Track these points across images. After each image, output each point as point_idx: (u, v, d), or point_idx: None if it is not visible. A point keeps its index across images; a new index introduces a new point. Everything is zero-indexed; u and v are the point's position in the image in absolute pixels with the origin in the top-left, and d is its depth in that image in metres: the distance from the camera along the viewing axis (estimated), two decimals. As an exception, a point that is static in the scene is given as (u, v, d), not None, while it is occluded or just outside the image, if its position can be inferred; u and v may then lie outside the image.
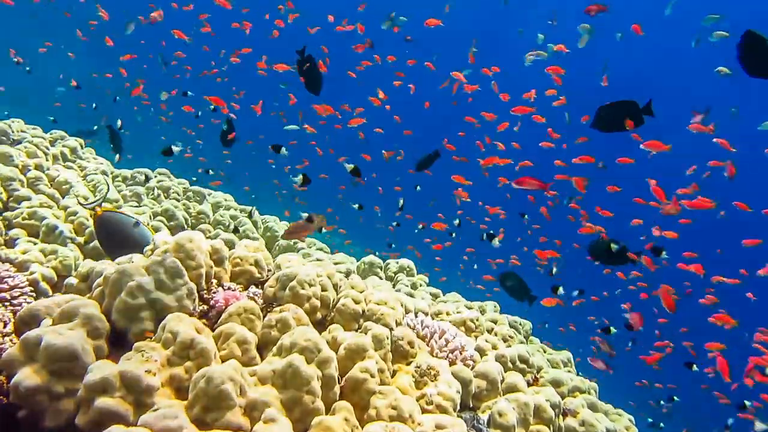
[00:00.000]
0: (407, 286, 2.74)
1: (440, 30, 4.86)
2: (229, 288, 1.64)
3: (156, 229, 2.65)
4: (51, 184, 2.70)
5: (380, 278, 2.85)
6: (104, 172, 2.93)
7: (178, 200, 3.03)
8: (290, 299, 1.62)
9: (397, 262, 2.92)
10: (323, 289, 1.70)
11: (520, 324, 2.60)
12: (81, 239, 2.36)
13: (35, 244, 2.26)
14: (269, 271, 1.83)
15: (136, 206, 2.75)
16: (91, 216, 2.25)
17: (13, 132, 2.87)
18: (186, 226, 2.83)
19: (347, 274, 2.78)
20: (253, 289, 1.71)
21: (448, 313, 2.12)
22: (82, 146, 3.10)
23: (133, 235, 2.06)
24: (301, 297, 1.62)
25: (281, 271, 1.69)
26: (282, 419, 1.22)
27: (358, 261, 3.38)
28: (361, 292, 1.80)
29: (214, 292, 1.58)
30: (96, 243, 2.36)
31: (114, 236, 2.08)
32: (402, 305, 1.85)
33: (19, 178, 2.55)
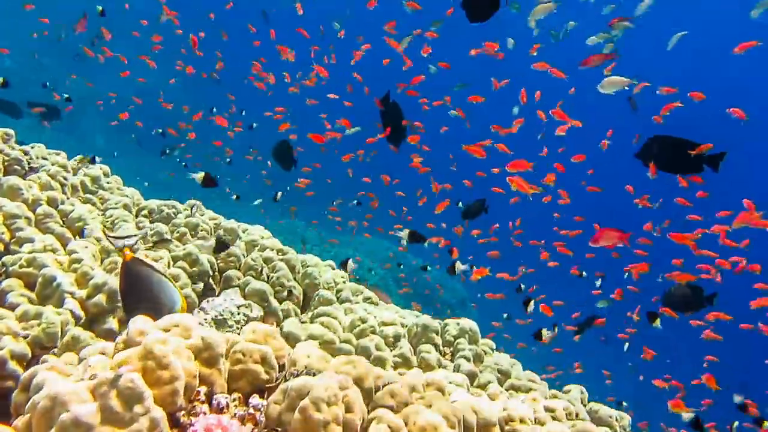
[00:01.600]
0: (469, 360, 2.21)
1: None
2: (218, 404, 1.19)
3: (175, 278, 2.28)
4: (64, 221, 2.39)
5: (436, 344, 2.34)
6: (127, 206, 2.60)
7: (206, 239, 2.66)
8: (300, 426, 1.14)
9: (458, 324, 2.40)
10: (348, 409, 1.21)
11: (617, 419, 2.01)
12: (83, 293, 2.01)
13: (30, 301, 1.92)
14: (282, 367, 1.37)
15: (152, 250, 2.39)
16: (119, 255, 1.89)
17: (32, 158, 2.59)
18: (211, 272, 2.44)
19: (396, 338, 2.29)
20: (255, 400, 1.26)
21: (541, 424, 1.56)
22: (106, 174, 2.80)
23: (158, 296, 1.72)
24: (315, 424, 1.14)
25: (291, 382, 1.22)
26: None
27: (406, 310, 2.89)
28: (405, 404, 1.30)
29: (194, 416, 1.13)
30: (99, 299, 2.00)
31: (136, 292, 1.74)
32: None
33: (26, 215, 2.25)
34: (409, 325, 2.40)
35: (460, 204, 4.29)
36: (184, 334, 1.24)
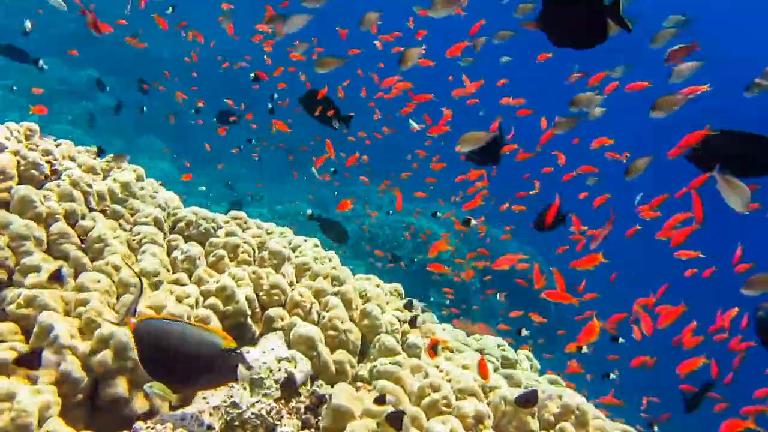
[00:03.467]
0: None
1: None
2: None
3: (203, 320, 1.84)
4: (82, 241, 2.00)
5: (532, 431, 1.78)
6: (158, 220, 2.18)
7: (248, 263, 2.20)
8: None
9: (560, 398, 1.83)
10: None
11: None
12: (86, 346, 1.61)
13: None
14: None
15: (177, 282, 1.96)
16: (127, 326, 1.51)
17: (56, 159, 2.22)
18: (248, 311, 1.98)
19: (478, 419, 1.76)
20: None
21: None
22: (140, 178, 2.40)
23: (184, 347, 1.44)
24: None
25: None
26: None
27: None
28: None
29: None
30: (105, 356, 1.59)
31: (159, 353, 1.45)
32: None
33: (36, 236, 1.87)
34: (495, 402, 1.85)
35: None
36: None
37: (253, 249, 2.25)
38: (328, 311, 2.11)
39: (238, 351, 1.45)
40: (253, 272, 2.15)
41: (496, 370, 2.48)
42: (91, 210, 2.14)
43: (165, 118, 8.25)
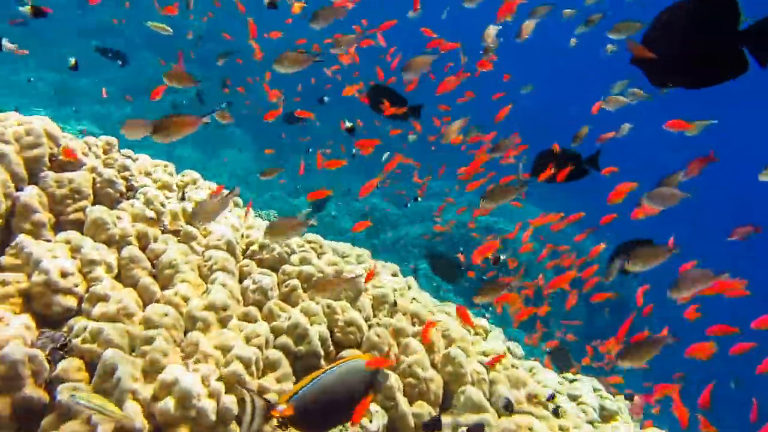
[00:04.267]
0: None
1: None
2: None
3: (272, 367, 1.68)
4: (154, 265, 1.90)
5: None
6: (231, 245, 2.05)
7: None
8: None
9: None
10: None
11: None
12: (149, 391, 1.48)
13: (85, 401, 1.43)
14: None
15: (246, 317, 1.80)
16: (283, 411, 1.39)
17: (132, 175, 2.15)
18: (321, 352, 1.81)
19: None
20: None
21: None
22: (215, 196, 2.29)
23: (347, 391, 1.40)
24: None
25: None
26: None
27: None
28: None
29: None
30: (167, 404, 1.46)
31: (327, 412, 1.37)
32: None
33: (107, 260, 1.78)
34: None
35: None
36: None
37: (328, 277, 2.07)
38: (409, 356, 1.90)
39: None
40: (328, 306, 1.97)
41: (591, 423, 2.18)
42: (164, 231, 2.04)
43: (249, 112, 8.32)
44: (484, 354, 2.11)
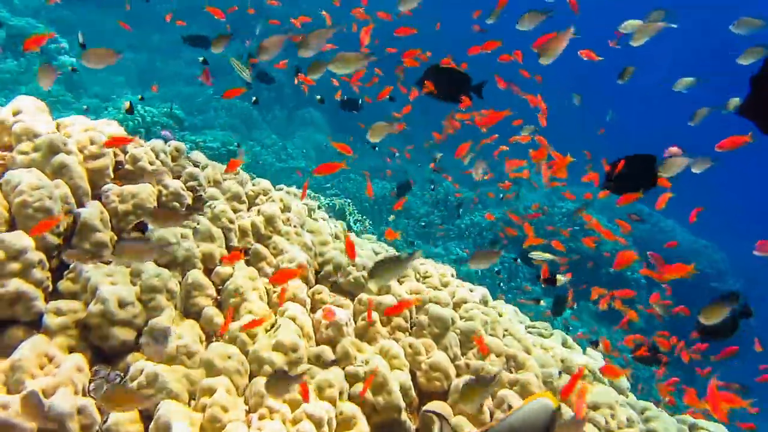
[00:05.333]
0: None
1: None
2: None
3: (348, 421, 1.44)
4: (219, 291, 1.72)
5: None
6: (302, 267, 1.82)
7: (404, 330, 1.76)
8: None
9: None
10: None
11: None
12: (208, 452, 1.29)
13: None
14: None
15: (319, 360, 1.57)
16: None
17: (200, 184, 1.97)
18: (403, 405, 1.55)
19: None
20: None
21: None
22: (287, 208, 2.07)
23: None
24: None
25: None
26: None
27: None
28: None
29: None
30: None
31: None
32: None
33: (169, 287, 1.61)
34: None
35: None
36: None
37: (409, 314, 1.81)
38: (504, 411, 1.60)
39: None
40: (410, 345, 1.70)
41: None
42: (230, 249, 1.85)
43: (326, 92, 8.17)
44: (595, 409, 1.77)
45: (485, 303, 2.09)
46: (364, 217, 6.51)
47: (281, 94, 10.81)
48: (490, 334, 1.86)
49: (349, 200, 6.64)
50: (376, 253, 2.17)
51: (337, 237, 2.24)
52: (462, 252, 8.23)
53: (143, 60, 10.88)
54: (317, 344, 1.65)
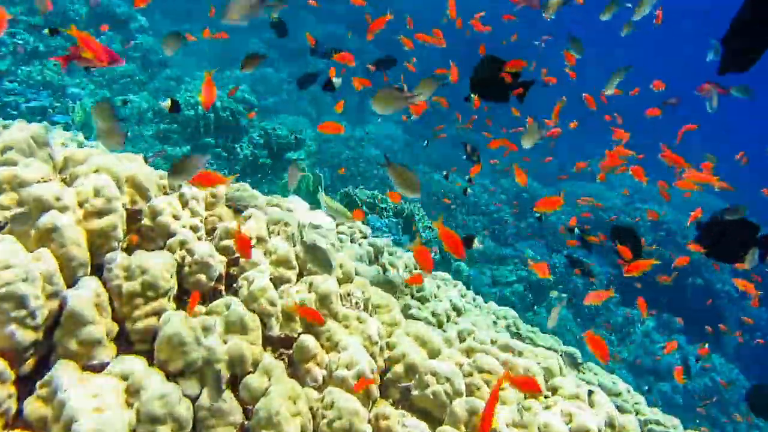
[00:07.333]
0: None
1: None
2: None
3: None
4: (246, 410, 1.24)
5: None
6: (362, 376, 1.32)
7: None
8: None
9: None
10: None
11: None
12: None
13: None
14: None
15: None
16: None
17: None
18: None
19: None
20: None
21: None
22: (348, 277, 1.57)
23: None
24: None
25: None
26: None
27: None
28: None
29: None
30: None
31: None
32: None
33: (176, 416, 1.15)
34: None
35: None
36: None
37: (451, 392, 1.26)
38: None
39: None
40: None
41: None
42: (269, 343, 1.37)
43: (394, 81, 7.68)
44: None
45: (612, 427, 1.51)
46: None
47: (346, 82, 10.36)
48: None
49: (419, 204, 6.06)
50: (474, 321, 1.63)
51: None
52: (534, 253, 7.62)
53: (218, 42, 10.75)
54: None
